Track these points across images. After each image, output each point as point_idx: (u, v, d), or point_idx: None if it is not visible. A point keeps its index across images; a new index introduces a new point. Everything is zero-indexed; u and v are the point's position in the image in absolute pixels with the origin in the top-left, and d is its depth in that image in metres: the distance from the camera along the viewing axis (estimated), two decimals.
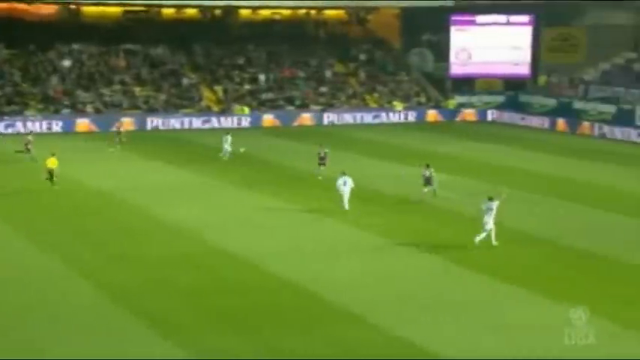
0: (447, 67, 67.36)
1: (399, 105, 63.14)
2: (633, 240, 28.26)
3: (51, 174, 35.32)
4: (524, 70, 66.09)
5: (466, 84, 66.98)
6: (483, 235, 26.73)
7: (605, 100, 57.69)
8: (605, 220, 31.19)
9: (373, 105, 63.86)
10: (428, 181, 34.32)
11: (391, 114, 62.58)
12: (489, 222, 26.71)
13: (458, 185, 37.64)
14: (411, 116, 62.81)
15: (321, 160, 39.23)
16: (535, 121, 59.86)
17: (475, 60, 66.24)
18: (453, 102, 64.65)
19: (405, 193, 35.73)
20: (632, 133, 52.65)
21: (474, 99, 65.56)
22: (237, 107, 59.94)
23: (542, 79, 66.34)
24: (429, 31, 72.83)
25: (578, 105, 59.00)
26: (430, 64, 71.29)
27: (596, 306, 21.24)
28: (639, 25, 64.44)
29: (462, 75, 66.77)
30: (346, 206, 32.03)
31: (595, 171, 41.77)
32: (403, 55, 71.06)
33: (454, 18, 66.25)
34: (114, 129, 50.31)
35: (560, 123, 57.78)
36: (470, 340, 19.10)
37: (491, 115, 63.30)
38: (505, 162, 44.17)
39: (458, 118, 63.34)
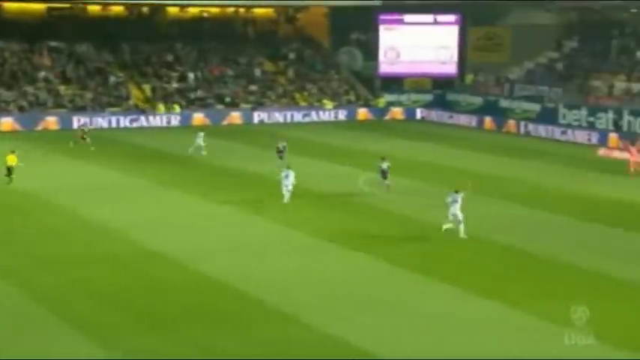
0: (375, 66, 67.82)
1: (328, 103, 63.28)
2: (559, 236, 28.83)
3: (10, 171, 35.85)
4: (451, 69, 66.98)
5: (395, 83, 67.54)
6: (449, 225, 27.47)
7: (529, 98, 58.84)
8: (532, 216, 31.76)
9: (303, 103, 63.86)
10: (383, 174, 34.70)
11: (321, 112, 62.68)
12: (457, 213, 27.29)
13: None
14: (341, 115, 63.02)
15: (280, 154, 40.08)
16: (463, 120, 60.72)
17: (403, 59, 66.86)
18: (382, 100, 65.10)
19: (334, 191, 35.80)
20: (555, 131, 53.79)
21: (403, 97, 66.16)
22: (159, 106, 59.07)
23: (469, 78, 67.34)
24: (357, 30, 73.22)
25: (504, 103, 60.04)
26: (359, 63, 71.67)
27: (527, 302, 21.62)
28: (561, 25, 65.97)
29: (390, 74, 67.31)
30: (285, 199, 32.33)
31: (522, 168, 42.51)
32: (332, 54, 71.26)
33: (382, 17, 66.75)
34: (78, 130, 49.14)
35: (487, 121, 58.70)
36: (402, 339, 19.14)
37: (419, 113, 63.97)
38: (434, 160, 44.66)
39: (387, 117, 63.81)
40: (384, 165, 35.04)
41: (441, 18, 66.59)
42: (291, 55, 68.53)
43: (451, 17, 66.55)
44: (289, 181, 32.62)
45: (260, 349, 18.61)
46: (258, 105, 62.25)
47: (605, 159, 45.99)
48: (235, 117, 60.45)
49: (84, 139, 46.98)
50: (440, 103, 64.49)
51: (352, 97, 65.59)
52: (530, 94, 59.41)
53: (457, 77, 67.43)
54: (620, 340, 19.02)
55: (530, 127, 55.60)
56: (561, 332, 19.13)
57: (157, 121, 58.55)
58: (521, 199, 34.25)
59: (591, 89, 56.85)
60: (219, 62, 66.29)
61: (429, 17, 66.52)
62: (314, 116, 62.33)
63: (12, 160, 36.19)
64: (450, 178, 39.04)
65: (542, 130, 54.45)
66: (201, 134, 45.16)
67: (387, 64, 67.23)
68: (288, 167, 33.37)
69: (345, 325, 19.86)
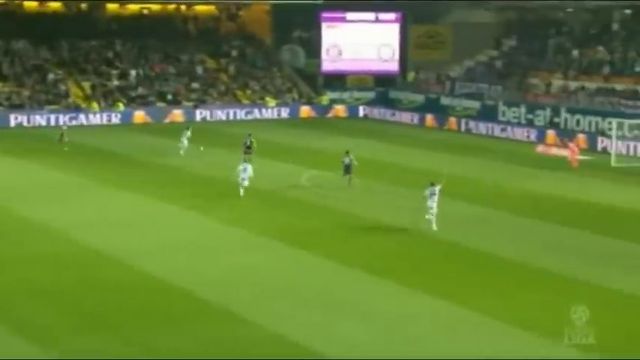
0: (318, 64, 67.97)
1: (271, 101, 63.23)
2: (494, 231, 29.30)
3: None
4: (393, 66, 67.53)
5: (338, 80, 67.80)
6: (432, 217, 27.90)
7: (470, 96, 59.65)
8: (475, 213, 32.20)
9: (245, 101, 63.67)
10: (347, 169, 35.12)
11: (264, 110, 62.59)
12: (433, 206, 27.90)
13: (331, 180, 38.06)
14: (284, 112, 63.01)
15: (247, 150, 39.90)
16: (405, 117, 61.25)
17: (346, 56, 67.17)
18: (325, 98, 65.29)
19: (276, 188, 35.82)
20: (495, 129, 54.62)
21: (346, 95, 66.45)
22: (93, 104, 58.33)
23: (410, 76, 67.96)
24: (300, 27, 73.30)
25: (445, 101, 60.75)
26: (302, 61, 71.77)
27: (468, 296, 21.95)
28: (500, 24, 67.03)
29: (333, 71, 67.56)
30: (241, 192, 32.74)
31: (464, 165, 42.96)
32: (275, 52, 71.20)
33: (324, 15, 66.96)
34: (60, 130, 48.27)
35: (429, 118, 59.32)
36: (351, 338, 19.17)
37: (362, 111, 64.34)
38: (377, 157, 44.93)
39: (330, 114, 64.01)
40: (347, 159, 35.48)
41: (382, 16, 67.10)
42: (234, 53, 68.27)
43: (392, 15, 67.09)
44: (246, 175, 32.69)
45: (207, 348, 18.53)
46: (201, 102, 61.87)
47: (544, 156, 46.88)
48: (177, 114, 59.98)
49: (61, 141, 46.11)
50: (382, 101, 64.95)
51: (295, 95, 65.62)
52: (470, 92, 60.24)
53: (399, 75, 68.00)
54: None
55: (471, 124, 56.36)
56: (508, 329, 19.52)
57: (97, 119, 57.77)
58: (464, 197, 34.69)
59: (530, 87, 57.91)
60: (161, 59, 65.69)
61: (370, 15, 66.95)
62: (257, 114, 62.21)
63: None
64: (394, 175, 39.42)
65: (482, 127, 55.25)
66: (188, 132, 43.78)
67: (329, 62, 67.46)
68: (245, 161, 33.65)
69: (293, 324, 19.89)
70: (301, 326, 19.75)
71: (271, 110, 62.73)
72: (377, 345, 18.79)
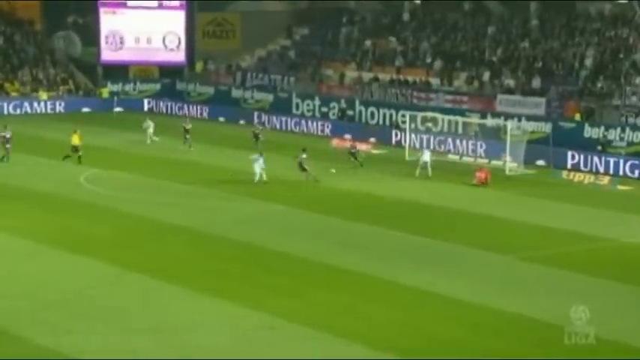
0: (97, 53, 66.31)
1: (44, 94, 60.94)
2: (292, 229, 30.01)
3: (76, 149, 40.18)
4: (179, 56, 67.13)
5: (119, 71, 66.43)
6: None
7: (262, 88, 60.41)
8: (264, 209, 32.78)
9: (14, 94, 60.98)
10: (301, 166, 37.17)
11: (35, 104, 60.23)
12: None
13: (113, 180, 37.41)
14: (59, 106, 60.97)
15: (256, 137, 44.90)
16: (194, 110, 61.02)
17: (128, 45, 65.99)
18: (105, 90, 63.80)
19: (56, 190, 34.75)
20: (289, 122, 55.61)
21: (128, 87, 65.28)
22: None
23: (199, 66, 67.85)
24: (75, 12, 71.10)
25: (236, 93, 61.16)
26: (78, 49, 69.72)
27: (259, 298, 22.34)
28: (291, 12, 68.40)
29: (114, 61, 66.16)
30: (263, 177, 36.73)
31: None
32: (47, 39, 68.62)
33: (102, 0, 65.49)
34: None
35: (220, 112, 59.42)
36: (128, 349, 18.98)
37: (147, 104, 63.41)
38: (165, 155, 44.57)
39: (112, 108, 62.53)
40: (303, 156, 37.34)
41: (166, 3, 66.50)
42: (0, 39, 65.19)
43: (176, 2, 66.68)
44: (258, 166, 36.63)
45: None
46: None
47: (339, 149, 48.29)
48: None
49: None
50: (169, 93, 64.40)
51: (71, 87, 63.64)
52: (262, 84, 61.01)
53: (187, 65, 67.69)
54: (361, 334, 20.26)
55: (264, 117, 57.07)
56: (301, 331, 20.06)
57: None
58: (258, 195, 35.17)
59: (324, 78, 59.52)
60: None
61: (153, 2, 66.16)
62: (27, 108, 59.79)
63: (76, 140, 40.63)
64: (186, 173, 39.27)
65: (276, 121, 56.08)
66: (151, 123, 47.58)
67: (109, 51, 66.01)
68: (260, 153, 37.33)
69: (62, 337, 19.41)
70: (72, 339, 19.31)
71: (44, 104, 60.47)
72: (166, 355, 18.70)
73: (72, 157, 40.33)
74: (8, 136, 41.66)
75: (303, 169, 37.41)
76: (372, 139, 47.82)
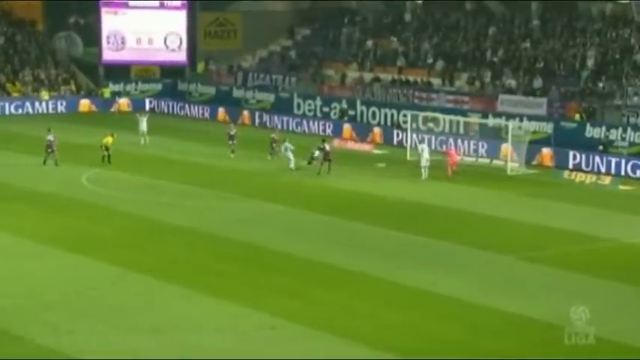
0: (98, 53, 66.36)
1: (45, 94, 61.02)
2: (293, 229, 30.05)
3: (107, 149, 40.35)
4: (181, 56, 67.16)
5: (121, 71, 66.50)
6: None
7: (263, 88, 60.43)
8: (267, 209, 32.82)
9: (16, 94, 61.05)
10: (326, 155, 39.02)
11: (37, 104, 60.29)
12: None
13: (115, 180, 37.49)
14: (61, 106, 61.03)
15: (273, 144, 43.32)
16: (195, 111, 61.08)
17: (129, 46, 66.04)
18: (107, 90, 63.85)
19: (57, 190, 34.81)
20: (291, 122, 55.62)
21: (130, 87, 65.33)
22: None
23: (200, 67, 67.87)
24: (76, 13, 71.15)
25: (237, 93, 61.17)
26: (79, 50, 69.76)
27: (260, 298, 22.39)
28: (293, 12, 68.43)
29: (115, 61, 66.21)
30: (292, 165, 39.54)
31: (261, 163, 43.50)
32: (48, 39, 68.69)
33: (104, 0, 65.53)
34: None
35: (221, 112, 59.48)
36: (128, 347, 19.06)
37: (149, 104, 63.45)
38: (165, 154, 44.63)
39: (113, 108, 62.60)
40: (320, 150, 39.18)
41: (167, 3, 66.53)
42: (1, 40, 65.24)
43: (178, 2, 66.72)
44: (289, 153, 39.65)
45: None
46: None
47: (340, 150, 48.30)
48: None
49: None
50: (170, 93, 64.42)
51: (73, 87, 63.71)
52: (264, 84, 61.04)
53: (188, 66, 67.73)
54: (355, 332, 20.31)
55: (265, 117, 57.10)
56: (302, 331, 20.11)
57: None
58: (258, 195, 35.24)
59: (325, 78, 59.55)
60: None
61: (154, 2, 66.20)
62: (29, 108, 59.86)
63: (108, 141, 40.91)
64: (182, 173, 39.34)
65: (277, 120, 56.08)
66: (144, 119, 47.39)
67: (111, 51, 66.06)
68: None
69: (63, 336, 19.47)
70: (73, 339, 19.37)
71: (45, 104, 60.53)
72: (167, 355, 18.75)
73: (103, 157, 40.52)
74: (52, 139, 41.30)
75: (328, 160, 39.07)
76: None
